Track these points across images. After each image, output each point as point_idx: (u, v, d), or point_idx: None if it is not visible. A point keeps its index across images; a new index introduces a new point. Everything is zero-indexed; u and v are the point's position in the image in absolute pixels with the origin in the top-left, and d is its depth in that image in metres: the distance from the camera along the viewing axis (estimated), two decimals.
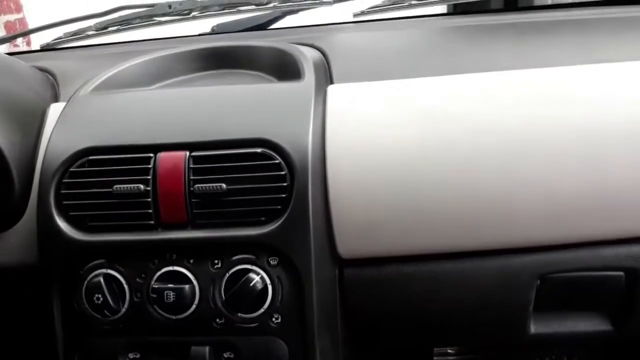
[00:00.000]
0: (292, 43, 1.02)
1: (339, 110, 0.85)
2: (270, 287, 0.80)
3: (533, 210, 0.82)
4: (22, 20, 2.61)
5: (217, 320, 0.82)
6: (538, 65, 0.88)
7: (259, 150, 0.81)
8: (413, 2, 1.18)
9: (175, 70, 1.02)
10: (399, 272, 0.87)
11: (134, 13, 1.23)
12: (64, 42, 1.29)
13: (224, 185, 0.80)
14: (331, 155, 0.83)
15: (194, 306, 0.81)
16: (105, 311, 0.82)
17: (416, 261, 0.86)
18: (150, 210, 0.81)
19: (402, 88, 0.87)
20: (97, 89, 0.94)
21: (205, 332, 0.83)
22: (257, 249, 0.81)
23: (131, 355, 0.85)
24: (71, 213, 0.83)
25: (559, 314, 0.93)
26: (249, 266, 0.80)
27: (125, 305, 0.82)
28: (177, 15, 1.23)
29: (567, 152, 0.81)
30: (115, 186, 0.81)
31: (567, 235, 0.84)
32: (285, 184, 0.80)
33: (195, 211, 0.81)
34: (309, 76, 0.89)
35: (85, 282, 0.82)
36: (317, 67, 0.93)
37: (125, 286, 0.82)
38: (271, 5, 1.20)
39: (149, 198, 0.81)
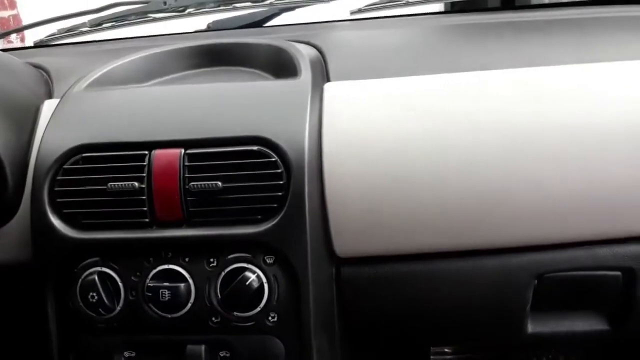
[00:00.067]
0: (289, 40, 1.02)
1: (336, 108, 0.85)
2: (266, 286, 0.80)
3: (531, 209, 0.82)
4: (15, 17, 2.60)
5: (213, 318, 0.82)
6: (535, 64, 0.88)
7: (255, 148, 0.80)
8: (410, 0, 1.18)
9: (171, 67, 1.01)
10: (396, 271, 0.86)
11: (128, 10, 1.23)
12: (57, 38, 1.28)
13: (219, 183, 0.79)
14: (328, 153, 0.82)
15: (189, 305, 0.81)
16: (100, 309, 0.81)
17: (413, 260, 0.86)
18: (145, 208, 0.81)
19: (399, 86, 0.87)
20: (91, 85, 0.93)
21: (200, 330, 0.82)
22: (253, 248, 0.81)
23: (126, 354, 0.84)
24: (65, 210, 0.82)
25: (557, 313, 0.93)
26: (244, 265, 0.80)
27: (120, 304, 0.82)
28: (172, 11, 1.22)
29: (564, 151, 0.81)
30: (110, 183, 0.80)
31: (565, 235, 0.84)
32: (281, 182, 0.79)
33: (190, 209, 0.80)
34: (306, 74, 0.89)
35: (80, 280, 0.82)
36: (313, 64, 0.92)
37: (120, 284, 0.82)
38: (267, 2, 1.20)
39: (143, 196, 0.80)
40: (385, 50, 1.02)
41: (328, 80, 0.92)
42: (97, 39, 1.30)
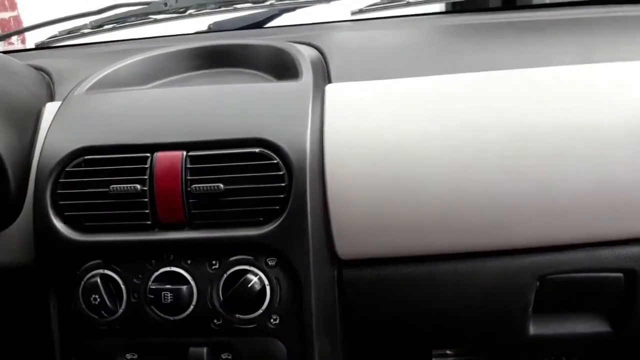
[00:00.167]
0: (290, 41, 1.02)
1: (337, 110, 0.85)
2: (268, 288, 0.80)
3: (534, 211, 0.81)
4: (16, 18, 2.60)
5: (215, 321, 0.82)
6: (537, 64, 0.88)
7: (256, 150, 0.80)
8: (411, 0, 1.18)
9: (172, 69, 1.01)
10: (398, 273, 0.86)
11: (129, 11, 1.23)
12: (59, 40, 1.28)
13: (221, 186, 0.79)
14: (329, 155, 0.82)
15: (191, 307, 0.81)
16: (103, 312, 0.81)
17: (415, 262, 0.86)
18: (147, 211, 0.81)
19: (400, 87, 0.87)
20: (93, 88, 0.94)
21: (203, 333, 0.82)
22: (255, 250, 0.81)
23: (129, 356, 0.84)
24: (67, 213, 0.82)
25: (559, 315, 0.93)
26: (247, 267, 0.80)
27: (123, 306, 0.82)
28: (173, 13, 1.22)
29: (566, 152, 0.81)
30: (112, 186, 0.80)
31: (567, 236, 0.84)
32: (283, 184, 0.79)
33: (192, 211, 0.80)
34: (307, 75, 0.89)
35: (82, 282, 0.82)
36: (314, 66, 0.92)
37: (123, 287, 0.82)
38: (268, 3, 1.20)
39: (145, 198, 0.80)
40: (386, 51, 1.02)
41: (329, 81, 0.92)
42: (98, 41, 1.31)
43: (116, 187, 0.80)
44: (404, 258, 0.85)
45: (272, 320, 0.81)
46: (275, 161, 0.80)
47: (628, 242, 0.86)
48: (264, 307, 0.80)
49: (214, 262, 0.81)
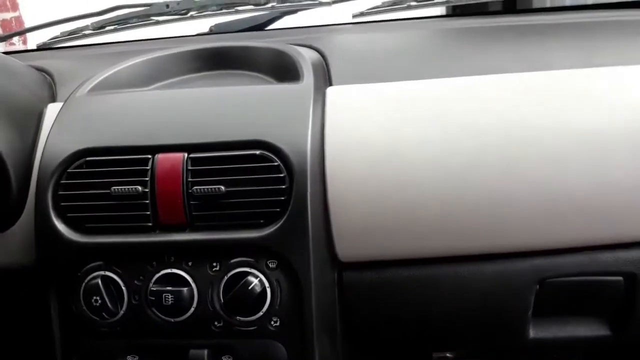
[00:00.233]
0: (291, 44, 1.02)
1: (338, 112, 0.85)
2: (269, 290, 0.80)
3: (534, 214, 0.82)
4: (18, 19, 2.60)
5: (216, 323, 0.82)
6: (537, 67, 0.88)
7: (257, 152, 0.80)
8: (412, 3, 1.18)
9: (173, 70, 1.01)
10: (398, 275, 0.86)
11: (131, 12, 1.23)
12: (60, 41, 1.29)
13: (222, 187, 0.79)
14: (330, 157, 0.82)
15: (192, 309, 0.81)
16: (103, 313, 0.81)
17: (415, 265, 0.86)
18: (148, 212, 0.81)
19: (401, 90, 0.87)
20: (95, 89, 0.94)
21: (203, 335, 0.82)
22: (256, 252, 0.81)
23: (129, 358, 0.84)
24: (69, 214, 0.82)
25: (559, 318, 0.93)
26: (247, 269, 0.80)
27: (124, 308, 0.82)
28: (175, 14, 1.22)
29: (566, 155, 0.81)
30: (113, 187, 0.80)
31: (567, 239, 0.84)
32: (284, 187, 0.79)
33: (193, 213, 0.80)
34: (308, 77, 0.89)
35: (83, 284, 0.82)
36: (315, 68, 0.93)
37: (124, 288, 0.82)
38: (269, 5, 1.20)
39: (147, 200, 0.81)
40: (387, 53, 1.02)
41: (330, 83, 0.92)
42: (100, 42, 1.31)
43: (117, 189, 0.80)
44: (405, 261, 0.85)
45: (272, 323, 0.82)
46: (276, 163, 0.80)
47: (628, 245, 0.86)
48: (264, 309, 0.80)
49: (214, 264, 0.81)
